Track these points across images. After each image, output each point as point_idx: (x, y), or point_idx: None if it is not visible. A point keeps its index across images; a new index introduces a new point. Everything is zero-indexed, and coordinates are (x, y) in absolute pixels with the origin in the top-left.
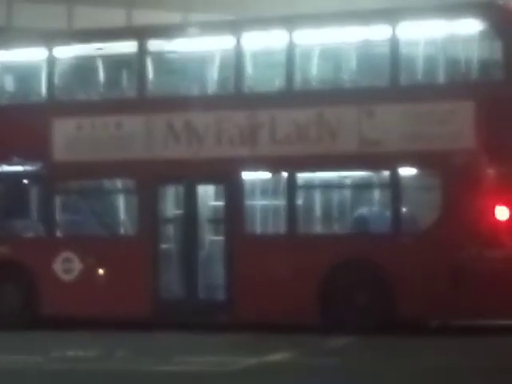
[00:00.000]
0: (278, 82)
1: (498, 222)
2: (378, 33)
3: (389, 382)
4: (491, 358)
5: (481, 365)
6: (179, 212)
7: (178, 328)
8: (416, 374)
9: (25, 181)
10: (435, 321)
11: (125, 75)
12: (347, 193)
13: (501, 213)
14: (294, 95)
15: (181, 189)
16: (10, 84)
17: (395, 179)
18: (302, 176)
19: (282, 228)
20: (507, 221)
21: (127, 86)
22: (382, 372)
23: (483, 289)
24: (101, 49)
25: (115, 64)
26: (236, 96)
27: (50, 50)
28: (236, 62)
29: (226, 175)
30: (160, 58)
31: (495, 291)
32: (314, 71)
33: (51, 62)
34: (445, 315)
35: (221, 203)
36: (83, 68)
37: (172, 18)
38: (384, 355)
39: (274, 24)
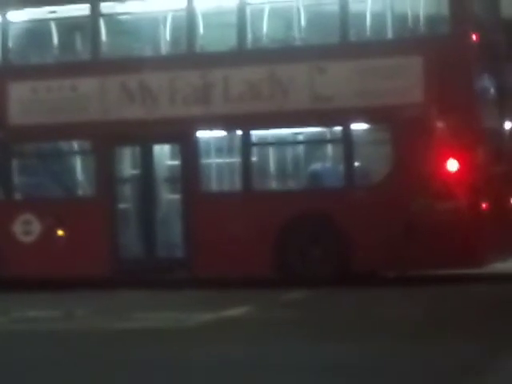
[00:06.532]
0: (229, 41)
1: (448, 174)
2: None
3: (344, 333)
4: (440, 307)
5: (430, 314)
6: (136, 172)
7: (137, 286)
8: (372, 324)
9: None
10: (391, 272)
11: (78, 38)
12: (300, 149)
13: (451, 165)
14: (245, 54)
15: (137, 149)
16: None
17: (347, 134)
18: (256, 133)
19: (237, 185)
20: (457, 173)
21: (81, 49)
22: (342, 323)
23: (434, 240)
24: (54, 12)
25: (68, 27)
26: (189, 56)
27: (4, 15)
28: (188, 22)
29: (180, 134)
30: (113, 20)
31: (446, 242)
32: (265, 30)
33: (5, 26)
34: (398, 266)
35: (176, 162)
36: (37, 32)
37: None
38: (340, 307)
39: None
